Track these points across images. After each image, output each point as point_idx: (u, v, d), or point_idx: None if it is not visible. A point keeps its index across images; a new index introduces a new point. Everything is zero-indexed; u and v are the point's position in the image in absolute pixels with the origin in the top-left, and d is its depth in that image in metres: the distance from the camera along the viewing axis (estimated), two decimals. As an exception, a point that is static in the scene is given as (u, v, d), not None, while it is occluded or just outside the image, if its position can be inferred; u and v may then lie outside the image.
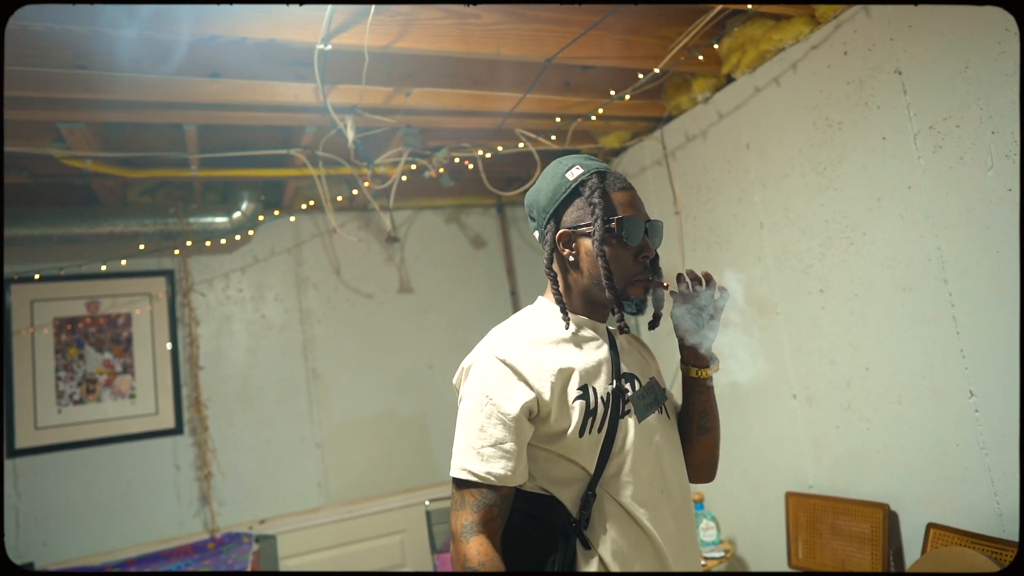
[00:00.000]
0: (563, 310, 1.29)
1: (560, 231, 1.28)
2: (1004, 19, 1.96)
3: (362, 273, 4.08)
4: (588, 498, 1.19)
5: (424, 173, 3.37)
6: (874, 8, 2.32)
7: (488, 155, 3.31)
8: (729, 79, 2.96)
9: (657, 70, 2.68)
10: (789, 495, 2.72)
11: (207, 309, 3.70)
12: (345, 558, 3.70)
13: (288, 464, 3.74)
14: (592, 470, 1.20)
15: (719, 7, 2.35)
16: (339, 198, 3.65)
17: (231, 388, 3.69)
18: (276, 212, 3.68)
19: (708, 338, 1.29)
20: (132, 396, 3.46)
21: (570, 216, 1.28)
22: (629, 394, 1.27)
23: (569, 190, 1.28)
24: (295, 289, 3.92)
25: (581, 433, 1.20)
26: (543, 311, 1.33)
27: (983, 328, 2.08)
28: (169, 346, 3.56)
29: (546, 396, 1.18)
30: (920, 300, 2.25)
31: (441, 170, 3.27)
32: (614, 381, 1.25)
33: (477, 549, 1.13)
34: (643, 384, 1.31)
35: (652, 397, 1.31)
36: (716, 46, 2.73)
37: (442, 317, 4.25)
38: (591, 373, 1.23)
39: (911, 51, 2.22)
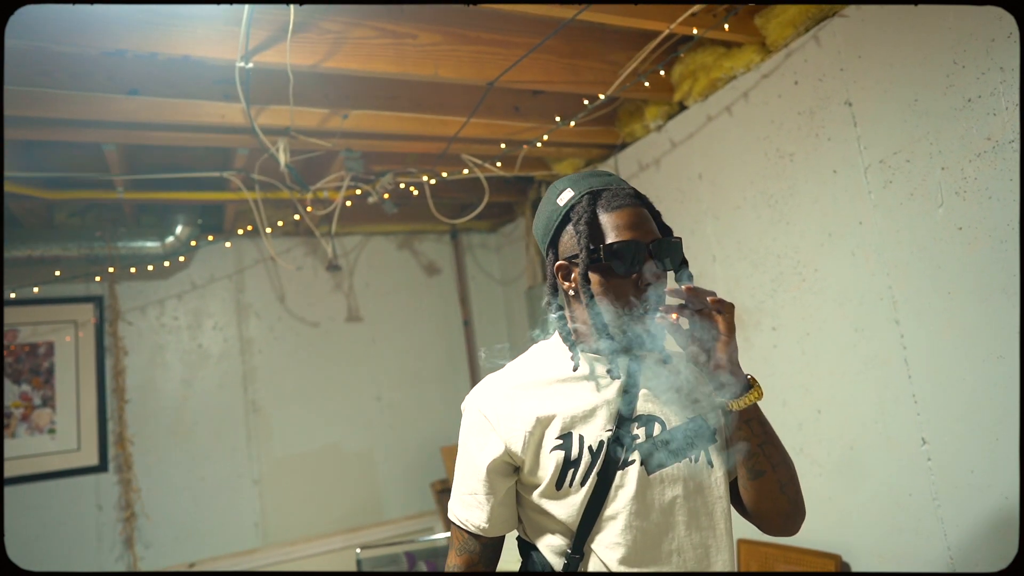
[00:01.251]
0: (571, 347, 1.16)
1: (558, 263, 1.17)
2: (952, 52, 1.89)
3: (308, 301, 3.91)
4: (571, 558, 1.10)
5: (367, 199, 3.23)
6: (824, 36, 2.24)
7: (433, 181, 3.18)
8: (681, 107, 2.87)
9: (602, 96, 2.58)
10: (741, 543, 2.58)
11: (138, 338, 3.49)
12: (279, 605, 3.47)
13: (223, 503, 3.52)
14: (575, 527, 1.09)
15: (666, 31, 2.25)
16: (280, 223, 3.49)
17: (163, 422, 3.47)
18: (210, 237, 3.50)
19: (723, 361, 1.06)
20: (52, 431, 3.23)
21: (565, 246, 1.17)
22: (639, 440, 1.12)
23: (560, 217, 1.16)
24: (235, 317, 3.73)
25: (559, 486, 1.10)
26: (553, 348, 1.22)
27: (935, 373, 1.98)
28: (95, 377, 3.35)
29: (516, 447, 1.11)
30: (872, 341, 2.15)
31: (386, 196, 3.13)
32: (612, 427, 1.11)
33: None
34: (670, 426, 1.14)
35: (680, 443, 1.12)
36: (663, 72, 2.64)
37: (392, 347, 4.09)
38: (582, 418, 1.11)
39: (861, 82, 2.14)
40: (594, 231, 1.12)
